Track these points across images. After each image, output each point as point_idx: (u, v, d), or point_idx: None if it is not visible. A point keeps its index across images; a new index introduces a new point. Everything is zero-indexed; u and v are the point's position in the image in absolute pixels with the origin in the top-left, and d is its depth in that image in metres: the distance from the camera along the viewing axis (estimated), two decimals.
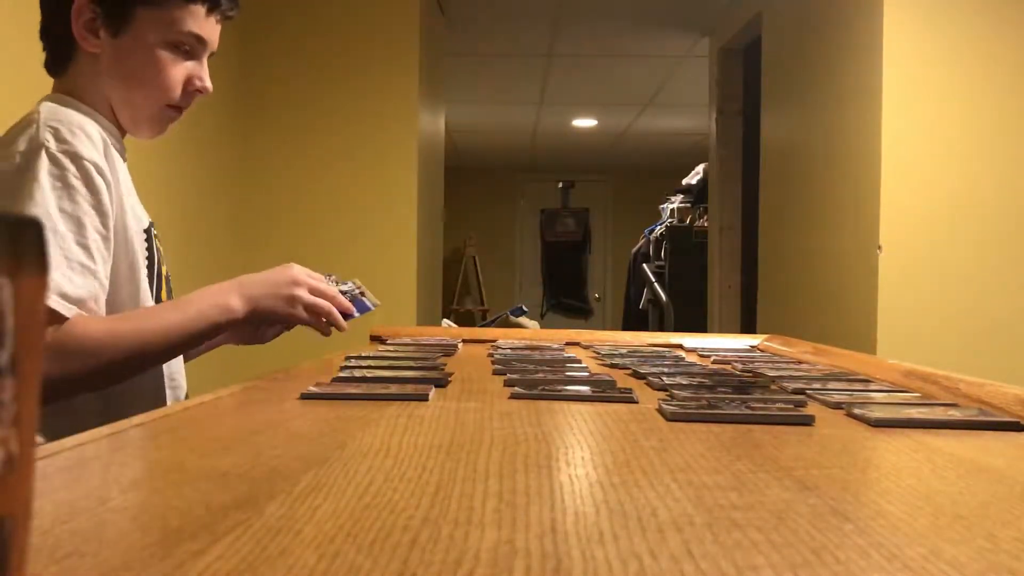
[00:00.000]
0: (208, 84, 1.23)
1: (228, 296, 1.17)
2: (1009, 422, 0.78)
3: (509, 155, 9.21)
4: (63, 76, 1.20)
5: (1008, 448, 0.70)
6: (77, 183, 1.07)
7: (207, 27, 1.20)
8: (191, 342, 1.16)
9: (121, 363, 1.08)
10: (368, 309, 1.39)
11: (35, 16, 1.22)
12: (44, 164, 1.06)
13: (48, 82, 1.23)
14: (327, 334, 1.29)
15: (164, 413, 0.75)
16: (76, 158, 1.08)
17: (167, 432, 0.69)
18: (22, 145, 1.07)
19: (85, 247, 1.06)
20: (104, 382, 1.11)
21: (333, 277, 1.37)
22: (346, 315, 1.32)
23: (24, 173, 1.05)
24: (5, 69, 2.06)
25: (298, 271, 1.24)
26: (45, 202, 1.04)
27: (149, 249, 1.22)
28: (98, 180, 1.09)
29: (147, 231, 1.23)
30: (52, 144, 1.07)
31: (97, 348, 1.05)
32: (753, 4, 4.23)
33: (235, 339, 1.37)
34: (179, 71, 1.19)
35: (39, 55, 1.23)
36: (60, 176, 1.06)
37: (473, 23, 4.93)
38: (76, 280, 1.04)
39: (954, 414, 0.81)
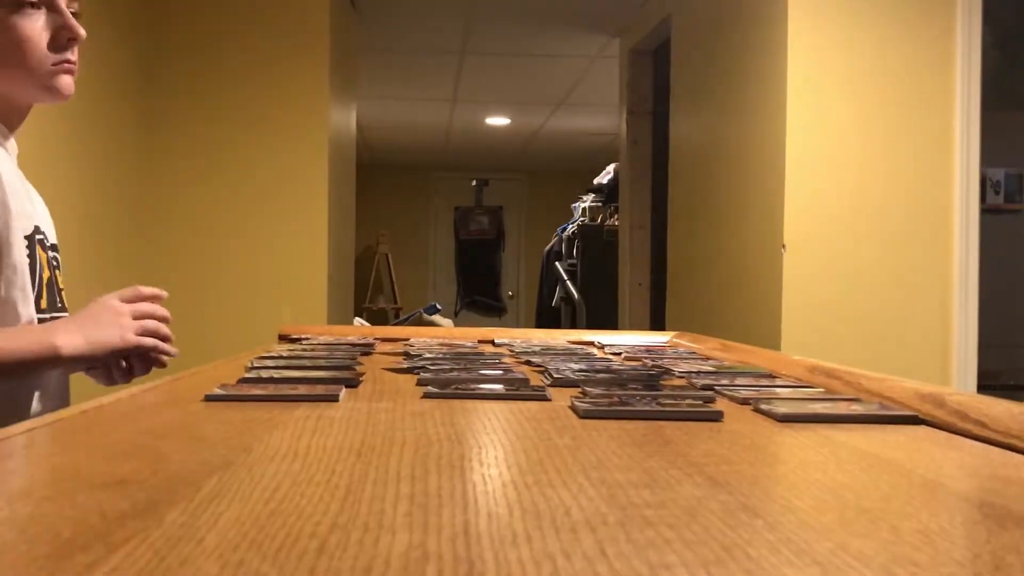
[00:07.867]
0: (79, 31, 1.17)
1: (55, 334, 1.08)
2: (908, 416, 0.81)
3: (423, 152, 9.16)
4: None
5: (908, 441, 0.72)
6: None
7: None
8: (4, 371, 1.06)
9: None
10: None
11: None
12: None
13: None
14: (162, 363, 1.23)
15: (57, 417, 0.71)
16: None
17: (61, 437, 0.65)
18: None
19: None
20: None
21: None
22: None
23: None
24: None
25: (113, 299, 1.18)
26: None
27: (31, 255, 1.15)
28: None
29: (29, 236, 1.15)
30: None
31: None
32: (663, 6, 4.29)
33: (101, 380, 1.32)
34: (35, 29, 1.14)
35: None
36: None
37: (385, 18, 4.88)
38: None
39: (856, 408, 0.84)
